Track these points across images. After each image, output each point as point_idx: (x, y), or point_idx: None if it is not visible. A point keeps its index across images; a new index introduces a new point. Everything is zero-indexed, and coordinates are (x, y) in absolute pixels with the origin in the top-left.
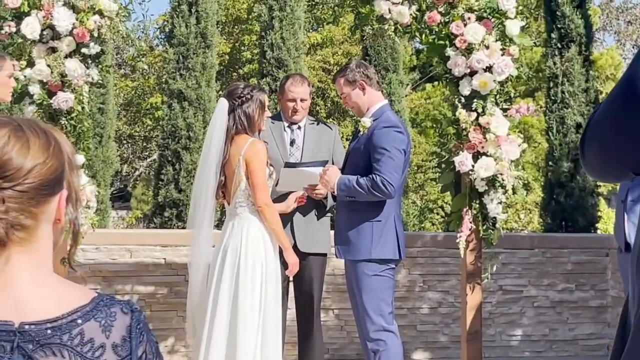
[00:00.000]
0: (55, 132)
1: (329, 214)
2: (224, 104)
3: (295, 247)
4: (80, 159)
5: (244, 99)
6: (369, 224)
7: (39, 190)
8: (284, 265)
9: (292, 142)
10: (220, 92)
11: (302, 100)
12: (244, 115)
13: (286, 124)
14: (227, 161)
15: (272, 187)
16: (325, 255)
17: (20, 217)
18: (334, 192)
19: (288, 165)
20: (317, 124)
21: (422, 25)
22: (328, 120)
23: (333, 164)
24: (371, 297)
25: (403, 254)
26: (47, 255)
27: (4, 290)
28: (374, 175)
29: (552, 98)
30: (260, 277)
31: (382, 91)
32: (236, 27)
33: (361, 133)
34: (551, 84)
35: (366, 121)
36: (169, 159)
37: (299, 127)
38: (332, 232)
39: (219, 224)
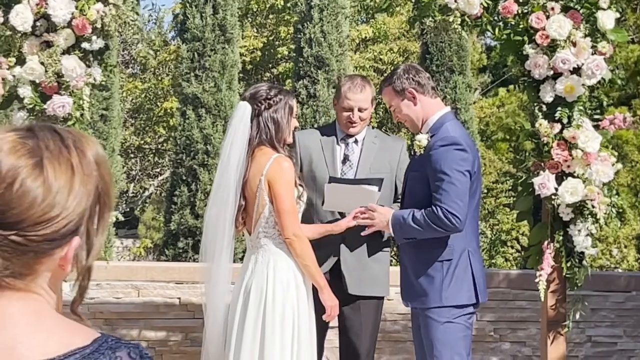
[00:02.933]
0: (89, 147)
1: (387, 247)
2: (246, 108)
3: (342, 290)
4: None
5: (271, 101)
6: (439, 264)
7: (41, 243)
8: (320, 308)
9: (345, 159)
10: None
11: (360, 109)
12: (271, 122)
13: (340, 136)
14: (247, 181)
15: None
16: (381, 299)
17: (11, 266)
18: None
19: (334, 180)
20: (380, 137)
21: (495, 17)
22: None
23: (395, 186)
24: (443, 350)
25: (483, 297)
26: (47, 297)
27: None
28: (433, 207)
29: None
30: (291, 327)
31: (441, 98)
32: (271, 17)
33: (417, 154)
34: None
35: (422, 139)
36: (183, 177)
37: (356, 141)
38: (391, 268)
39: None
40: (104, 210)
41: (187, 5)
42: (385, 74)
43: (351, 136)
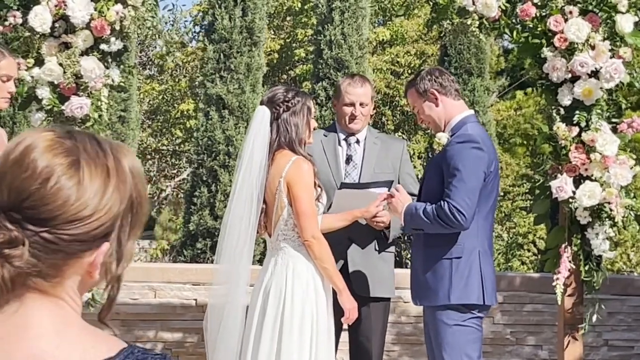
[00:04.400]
0: (125, 156)
1: (392, 248)
2: (265, 112)
3: (350, 290)
4: None
5: (289, 104)
6: (448, 261)
7: (72, 244)
8: (338, 311)
9: (349, 160)
10: None
11: (362, 104)
12: (290, 124)
13: (342, 137)
14: (267, 184)
15: (323, 211)
16: (388, 300)
17: (40, 265)
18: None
19: (345, 185)
20: (381, 138)
21: (513, 20)
22: (396, 135)
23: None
24: (453, 353)
25: (490, 299)
26: (73, 304)
27: (20, 341)
28: (442, 202)
29: None
30: (310, 328)
31: (464, 100)
32: (288, 19)
33: (437, 152)
34: None
35: (442, 137)
36: (204, 178)
37: (358, 141)
38: (396, 270)
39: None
40: (136, 221)
41: (217, 6)
42: (402, 77)
43: (352, 136)
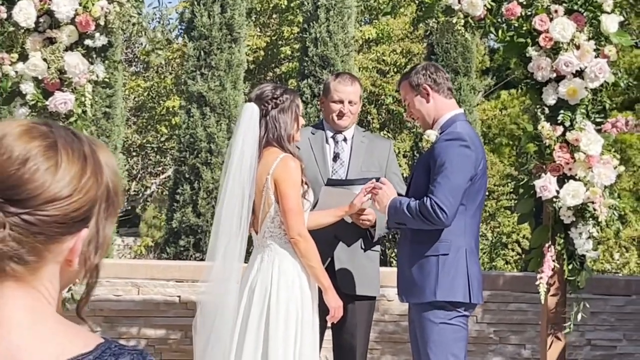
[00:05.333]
0: (101, 151)
1: (377, 247)
2: (254, 109)
3: (336, 288)
4: None
5: (277, 101)
6: (434, 258)
7: (52, 226)
8: (323, 309)
9: (336, 157)
10: None
11: (350, 102)
12: (279, 121)
13: (329, 134)
14: (254, 181)
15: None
16: (373, 298)
17: (21, 250)
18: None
19: (331, 182)
20: (368, 137)
21: (499, 19)
22: (381, 133)
23: None
24: (439, 351)
25: (476, 297)
26: (49, 297)
27: None
28: (425, 198)
29: None
30: (294, 325)
31: (455, 99)
32: (274, 17)
33: (424, 149)
34: None
35: (430, 134)
36: (186, 176)
37: (345, 139)
38: (381, 269)
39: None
40: (112, 210)
41: (195, 3)
42: (388, 75)
43: (340, 133)
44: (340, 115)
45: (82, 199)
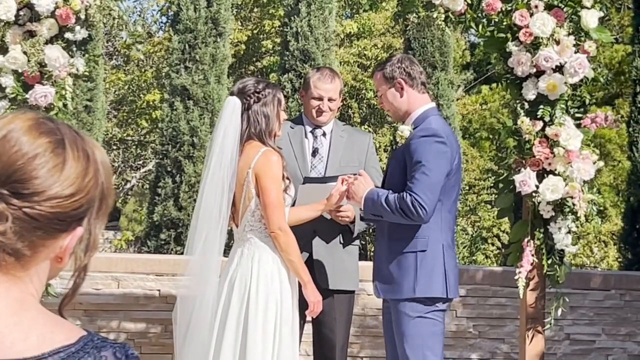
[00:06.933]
0: (97, 150)
1: (356, 242)
2: (236, 103)
3: (315, 283)
4: None
5: (260, 95)
6: (412, 255)
7: (51, 222)
8: (303, 304)
9: (315, 152)
10: None
11: (330, 99)
12: (261, 115)
13: (309, 129)
14: (235, 175)
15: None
16: (352, 292)
17: (19, 243)
18: (360, 208)
19: (308, 180)
20: (347, 131)
21: (479, 14)
22: (362, 128)
23: None
24: (415, 345)
25: (452, 292)
26: (34, 291)
27: None
28: (404, 193)
29: (638, 106)
30: (274, 319)
31: (429, 94)
32: (255, 10)
33: (399, 145)
34: (638, 89)
35: (404, 129)
36: (168, 169)
37: (324, 134)
38: (360, 263)
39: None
40: (104, 210)
41: None
42: (369, 70)
43: (319, 128)
44: (319, 112)
45: (83, 198)
